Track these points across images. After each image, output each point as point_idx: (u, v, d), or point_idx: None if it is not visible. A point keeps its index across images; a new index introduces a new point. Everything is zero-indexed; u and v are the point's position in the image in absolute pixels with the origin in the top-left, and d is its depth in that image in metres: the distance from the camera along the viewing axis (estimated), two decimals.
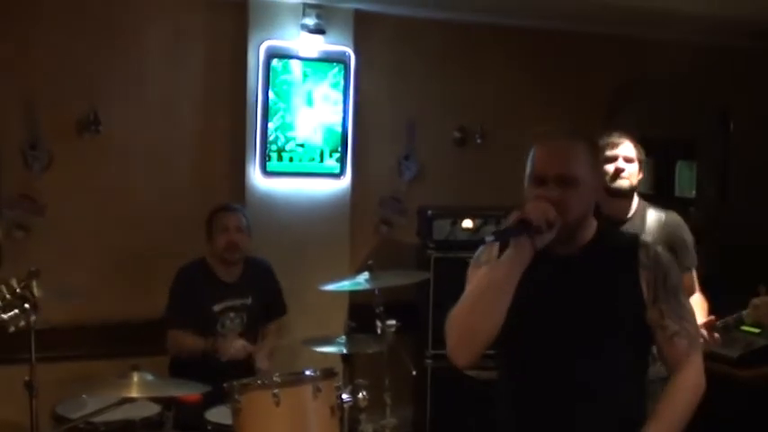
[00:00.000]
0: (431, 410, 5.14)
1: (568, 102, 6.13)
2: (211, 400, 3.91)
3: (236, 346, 4.42)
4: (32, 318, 3.35)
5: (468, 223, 5.18)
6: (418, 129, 5.79)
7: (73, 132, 4.91)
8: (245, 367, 4.41)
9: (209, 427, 3.84)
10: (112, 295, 4.93)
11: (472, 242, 5.11)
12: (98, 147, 4.97)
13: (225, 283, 4.60)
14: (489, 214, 5.22)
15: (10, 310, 3.19)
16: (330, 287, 4.39)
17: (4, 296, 3.21)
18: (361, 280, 4.29)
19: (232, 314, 4.57)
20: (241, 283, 4.63)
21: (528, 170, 2.47)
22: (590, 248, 2.49)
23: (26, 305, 3.23)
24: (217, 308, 4.52)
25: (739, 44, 6.21)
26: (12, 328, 3.22)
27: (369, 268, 4.30)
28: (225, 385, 3.47)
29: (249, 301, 4.61)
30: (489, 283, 2.38)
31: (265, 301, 4.71)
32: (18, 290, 3.23)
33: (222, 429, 3.72)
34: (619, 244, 2.56)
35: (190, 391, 3.72)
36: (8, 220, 4.80)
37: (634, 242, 2.54)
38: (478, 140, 5.93)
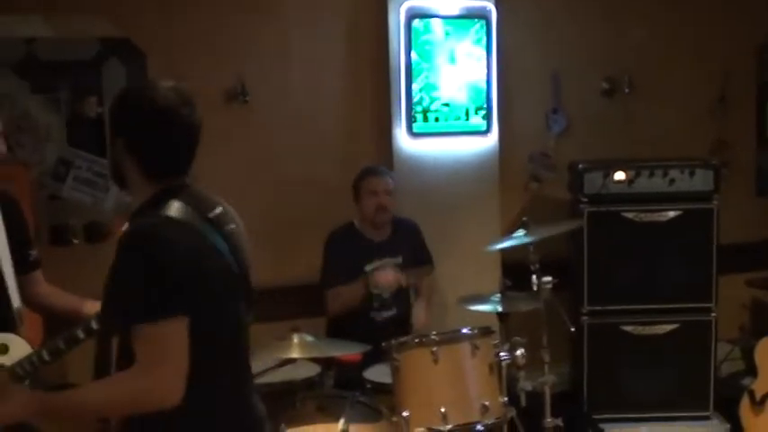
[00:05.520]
0: (588, 367, 5.05)
1: (718, 47, 5.87)
2: (370, 360, 3.95)
3: (389, 277, 4.46)
4: None
5: (620, 176, 5.02)
6: (564, 81, 5.64)
7: (221, 103, 5.00)
8: (401, 326, 4.45)
9: (369, 386, 3.88)
10: (266, 260, 4.92)
11: (625, 195, 5.03)
12: (246, 116, 5.05)
13: (376, 243, 4.63)
14: (642, 166, 5.04)
15: None
16: (494, 248, 4.39)
17: None
18: (519, 236, 4.26)
19: None
20: (392, 243, 4.66)
21: None
22: None
23: None
24: (369, 267, 4.55)
25: None
26: None
27: (524, 225, 4.25)
28: (383, 344, 3.51)
29: (400, 260, 4.62)
30: None
31: (416, 259, 4.73)
32: None
33: (382, 387, 3.76)
34: None
35: (349, 351, 3.77)
36: None
37: None
38: (626, 90, 5.75)
